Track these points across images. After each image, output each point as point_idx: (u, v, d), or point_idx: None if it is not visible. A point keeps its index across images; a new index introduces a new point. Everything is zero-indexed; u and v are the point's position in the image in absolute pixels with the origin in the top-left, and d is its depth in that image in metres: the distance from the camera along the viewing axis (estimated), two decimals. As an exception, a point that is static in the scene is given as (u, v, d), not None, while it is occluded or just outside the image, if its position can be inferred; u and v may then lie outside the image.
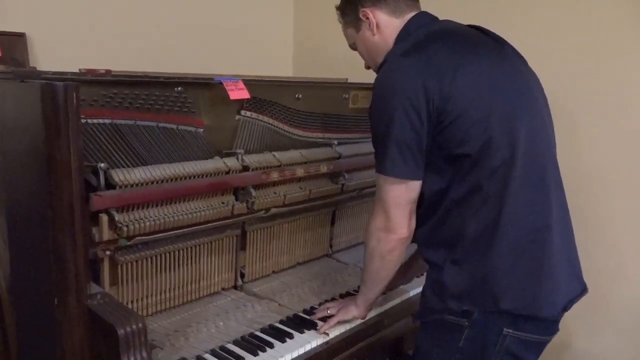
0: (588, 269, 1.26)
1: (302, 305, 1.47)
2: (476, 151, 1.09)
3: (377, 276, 1.28)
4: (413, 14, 1.25)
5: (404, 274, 1.54)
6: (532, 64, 1.26)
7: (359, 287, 1.39)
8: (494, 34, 1.24)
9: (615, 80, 1.67)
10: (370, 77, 1.40)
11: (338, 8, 1.35)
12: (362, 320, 1.41)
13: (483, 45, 1.18)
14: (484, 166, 1.10)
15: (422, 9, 1.29)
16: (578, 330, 1.82)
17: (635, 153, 1.66)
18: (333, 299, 1.52)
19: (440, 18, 1.28)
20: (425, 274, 1.27)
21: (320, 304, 1.47)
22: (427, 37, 1.17)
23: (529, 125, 1.13)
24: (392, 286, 1.52)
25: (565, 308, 1.15)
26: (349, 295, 1.54)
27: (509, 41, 1.25)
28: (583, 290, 1.21)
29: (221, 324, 1.34)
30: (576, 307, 1.19)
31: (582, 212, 1.57)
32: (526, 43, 1.33)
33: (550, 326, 1.17)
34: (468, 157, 1.10)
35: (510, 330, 1.12)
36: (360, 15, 1.27)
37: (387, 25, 1.25)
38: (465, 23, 1.26)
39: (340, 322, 1.36)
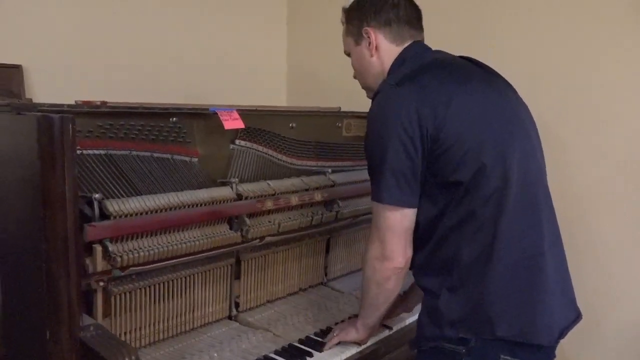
0: (581, 295, 1.26)
1: (297, 334, 1.46)
2: (469, 178, 1.11)
3: (375, 302, 1.28)
4: (409, 42, 1.28)
5: (404, 302, 1.53)
6: (521, 90, 1.28)
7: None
8: (484, 65, 1.28)
9: (605, 106, 1.70)
10: (362, 105, 1.42)
11: (345, 11, 1.35)
12: (358, 350, 1.39)
13: (474, 75, 1.21)
14: (477, 193, 1.11)
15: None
16: (575, 357, 1.81)
17: (624, 177, 1.68)
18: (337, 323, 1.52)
19: (433, 47, 1.30)
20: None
21: (316, 333, 1.46)
22: (420, 67, 1.20)
23: (520, 152, 1.15)
24: (392, 314, 1.51)
25: (561, 335, 1.15)
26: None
27: (498, 68, 1.28)
28: (577, 317, 1.21)
29: (215, 355, 1.32)
30: (572, 332, 1.19)
31: (573, 238, 1.58)
32: (515, 70, 1.36)
33: (547, 353, 1.16)
34: (461, 184, 1.12)
35: (507, 357, 1.11)
36: (363, 32, 1.29)
37: (386, 51, 1.28)
38: (457, 52, 1.30)
39: (342, 342, 1.38)
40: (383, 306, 1.29)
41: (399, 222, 1.16)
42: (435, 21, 1.41)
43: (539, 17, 1.79)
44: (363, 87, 1.38)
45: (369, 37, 1.28)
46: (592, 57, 1.71)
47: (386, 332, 1.50)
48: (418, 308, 1.58)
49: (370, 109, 1.19)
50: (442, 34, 1.39)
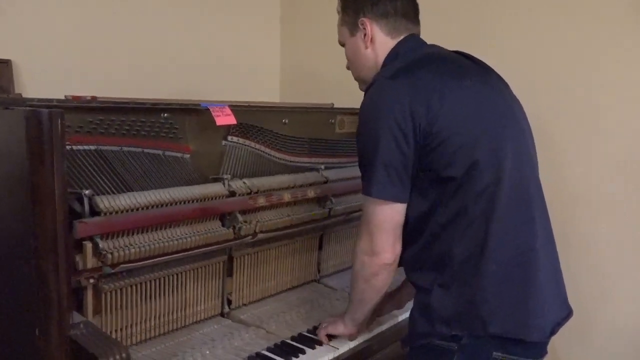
0: (575, 294, 1.27)
1: (290, 331, 1.45)
2: (462, 174, 1.10)
3: (362, 297, 1.28)
4: (405, 35, 1.27)
5: (395, 298, 1.53)
6: (521, 90, 1.28)
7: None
8: (479, 60, 1.27)
9: (605, 106, 1.69)
10: (355, 102, 1.41)
11: (341, 0, 1.33)
12: (351, 347, 1.39)
13: (468, 70, 1.20)
14: (469, 189, 1.11)
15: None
16: (567, 354, 1.81)
17: (619, 176, 1.68)
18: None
19: (428, 42, 1.30)
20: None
21: (308, 330, 1.46)
22: (414, 61, 1.19)
23: (513, 149, 1.15)
24: (383, 312, 1.51)
25: (553, 332, 1.15)
26: None
27: (493, 65, 1.27)
28: (569, 313, 1.21)
29: (207, 352, 1.31)
30: (564, 330, 1.19)
31: (566, 236, 1.58)
32: (515, 70, 1.36)
33: (539, 348, 1.17)
34: (453, 180, 1.11)
35: (499, 354, 1.11)
36: (359, 23, 1.27)
37: (381, 43, 1.27)
38: (452, 47, 1.29)
39: (330, 334, 1.38)
40: (371, 302, 1.28)
41: (389, 216, 1.15)
42: (436, 21, 1.40)
43: (539, 17, 1.79)
44: (356, 79, 1.37)
45: (364, 28, 1.26)
46: (592, 57, 1.70)
47: (379, 329, 1.50)
48: (409, 305, 1.59)
49: (363, 101, 1.18)
50: (442, 34, 1.39)
